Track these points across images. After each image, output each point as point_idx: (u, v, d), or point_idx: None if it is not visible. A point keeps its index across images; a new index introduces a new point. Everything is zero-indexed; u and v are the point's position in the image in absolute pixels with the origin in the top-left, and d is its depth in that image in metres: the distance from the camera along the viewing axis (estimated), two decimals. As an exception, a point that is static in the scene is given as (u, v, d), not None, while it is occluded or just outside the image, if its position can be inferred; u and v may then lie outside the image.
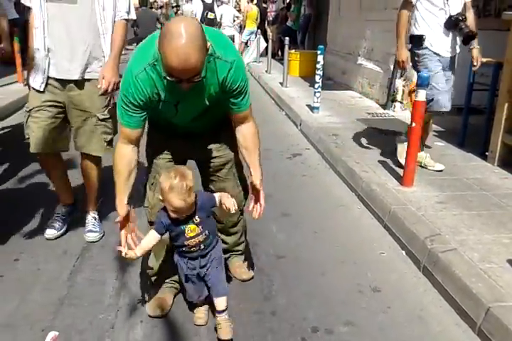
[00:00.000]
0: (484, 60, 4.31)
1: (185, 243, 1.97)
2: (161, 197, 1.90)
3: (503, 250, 2.58)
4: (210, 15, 8.29)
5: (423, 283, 2.54)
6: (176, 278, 2.31)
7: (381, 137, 4.89)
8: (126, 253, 1.93)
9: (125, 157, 1.97)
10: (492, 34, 4.82)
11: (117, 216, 2.00)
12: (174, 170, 1.88)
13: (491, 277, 2.31)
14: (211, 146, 2.20)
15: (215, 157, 2.22)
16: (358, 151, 4.37)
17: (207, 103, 1.95)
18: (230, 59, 1.85)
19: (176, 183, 1.81)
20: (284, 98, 7.01)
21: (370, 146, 4.55)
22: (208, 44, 1.69)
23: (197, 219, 1.95)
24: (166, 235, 2.03)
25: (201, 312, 2.16)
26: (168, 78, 1.68)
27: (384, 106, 6.39)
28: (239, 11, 13.11)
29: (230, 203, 1.96)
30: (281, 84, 8.12)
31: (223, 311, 2.06)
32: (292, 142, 5.21)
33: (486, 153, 4.14)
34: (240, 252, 2.55)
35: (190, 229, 1.95)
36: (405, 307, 2.32)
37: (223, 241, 2.37)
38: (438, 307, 2.33)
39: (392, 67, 6.23)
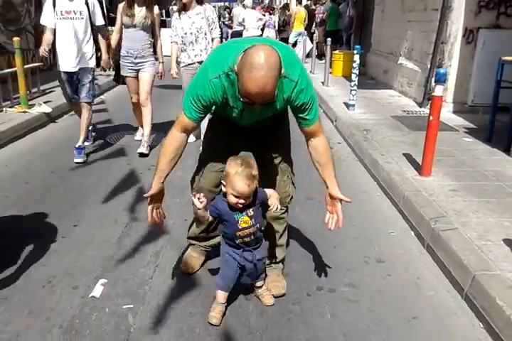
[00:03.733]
0: (510, 58, 4.49)
1: (237, 233, 2.07)
2: (223, 182, 2.01)
3: (502, 231, 2.82)
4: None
5: (425, 257, 2.83)
6: (209, 243, 2.67)
7: (409, 132, 5.13)
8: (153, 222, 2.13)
9: (176, 141, 2.11)
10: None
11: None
12: (241, 158, 2.01)
13: (483, 251, 2.57)
14: (266, 140, 2.32)
15: (268, 150, 2.32)
16: (385, 145, 4.63)
17: (270, 114, 2.12)
18: (295, 78, 1.96)
19: (243, 169, 1.95)
20: (324, 96, 7.31)
21: (397, 140, 4.80)
22: (282, 70, 1.82)
23: (251, 211, 2.05)
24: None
25: (217, 312, 2.20)
26: (242, 100, 1.84)
27: (420, 105, 6.58)
28: (289, 15, 13.50)
29: (273, 202, 2.10)
30: (322, 83, 8.42)
31: (262, 286, 2.34)
32: (326, 137, 5.49)
33: (511, 149, 4.31)
34: (278, 260, 2.53)
35: (244, 220, 2.05)
36: (404, 276, 2.62)
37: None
38: (434, 277, 2.62)
39: (429, 66, 6.41)
